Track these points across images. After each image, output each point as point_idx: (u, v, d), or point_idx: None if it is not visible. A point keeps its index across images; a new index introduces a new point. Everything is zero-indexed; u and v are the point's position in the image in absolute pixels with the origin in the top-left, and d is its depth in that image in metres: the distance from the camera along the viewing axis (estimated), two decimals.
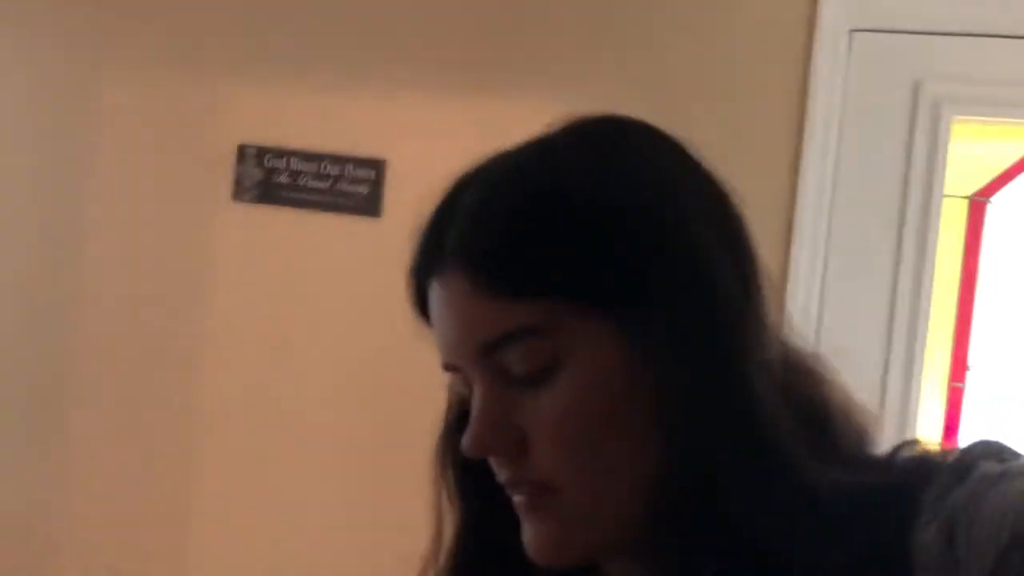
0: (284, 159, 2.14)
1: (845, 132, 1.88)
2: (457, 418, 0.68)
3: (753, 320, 0.61)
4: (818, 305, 1.88)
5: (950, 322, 1.96)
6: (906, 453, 0.62)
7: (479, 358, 0.61)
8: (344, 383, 2.11)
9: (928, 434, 1.96)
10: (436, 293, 0.63)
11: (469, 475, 0.67)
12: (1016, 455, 0.59)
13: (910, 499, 0.57)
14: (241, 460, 2.15)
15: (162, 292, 2.20)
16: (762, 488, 0.57)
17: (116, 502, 2.18)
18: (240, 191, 2.17)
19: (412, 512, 0.74)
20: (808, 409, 0.62)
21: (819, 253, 1.88)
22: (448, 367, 0.64)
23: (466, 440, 0.61)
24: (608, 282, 0.59)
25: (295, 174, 2.14)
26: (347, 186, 2.10)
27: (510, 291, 0.59)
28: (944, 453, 0.60)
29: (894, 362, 1.87)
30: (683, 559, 0.59)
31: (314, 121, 2.14)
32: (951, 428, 1.97)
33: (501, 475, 0.62)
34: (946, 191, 1.88)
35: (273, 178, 2.15)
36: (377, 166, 2.08)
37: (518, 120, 2.00)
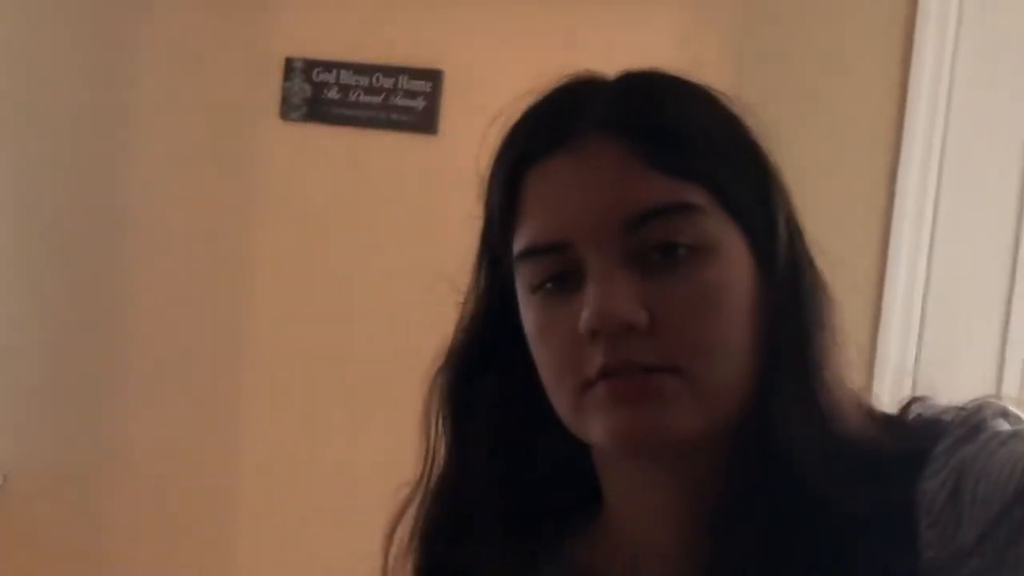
0: (334, 72, 2.01)
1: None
2: (481, 341, 0.67)
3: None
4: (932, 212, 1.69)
5: None
6: (916, 409, 0.64)
7: (620, 231, 0.59)
8: (400, 317, 2.00)
9: None
10: (562, 166, 0.61)
11: (478, 402, 0.67)
12: (1020, 419, 0.61)
13: (920, 452, 0.59)
14: (289, 403, 2.07)
15: (206, 221, 2.11)
16: (815, 423, 0.60)
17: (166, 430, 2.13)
18: (288, 109, 2.04)
19: None
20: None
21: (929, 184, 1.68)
22: (551, 246, 0.61)
23: (592, 310, 0.58)
24: (749, 192, 0.62)
25: (345, 88, 2.00)
26: (401, 100, 1.96)
27: (670, 168, 0.60)
28: (952, 410, 0.62)
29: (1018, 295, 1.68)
30: (729, 479, 0.61)
31: (364, 30, 2.00)
32: None
33: (611, 356, 0.59)
34: None
35: (322, 94, 2.02)
36: (434, 77, 1.93)
37: (586, 25, 1.86)
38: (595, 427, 0.60)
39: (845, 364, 0.63)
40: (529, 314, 0.62)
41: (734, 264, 0.61)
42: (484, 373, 0.67)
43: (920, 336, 1.70)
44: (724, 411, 0.60)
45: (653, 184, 0.59)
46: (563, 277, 0.60)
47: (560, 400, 0.62)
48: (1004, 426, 0.59)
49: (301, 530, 2.07)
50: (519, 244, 0.62)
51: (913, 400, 0.64)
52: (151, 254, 2.13)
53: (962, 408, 0.61)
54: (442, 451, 0.69)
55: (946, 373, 1.67)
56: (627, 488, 0.65)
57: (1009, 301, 1.70)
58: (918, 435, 0.61)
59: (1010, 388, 1.67)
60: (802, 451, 0.59)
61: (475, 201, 2.13)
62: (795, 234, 0.64)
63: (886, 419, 0.64)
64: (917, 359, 1.67)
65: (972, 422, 0.59)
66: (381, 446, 2.02)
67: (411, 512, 0.70)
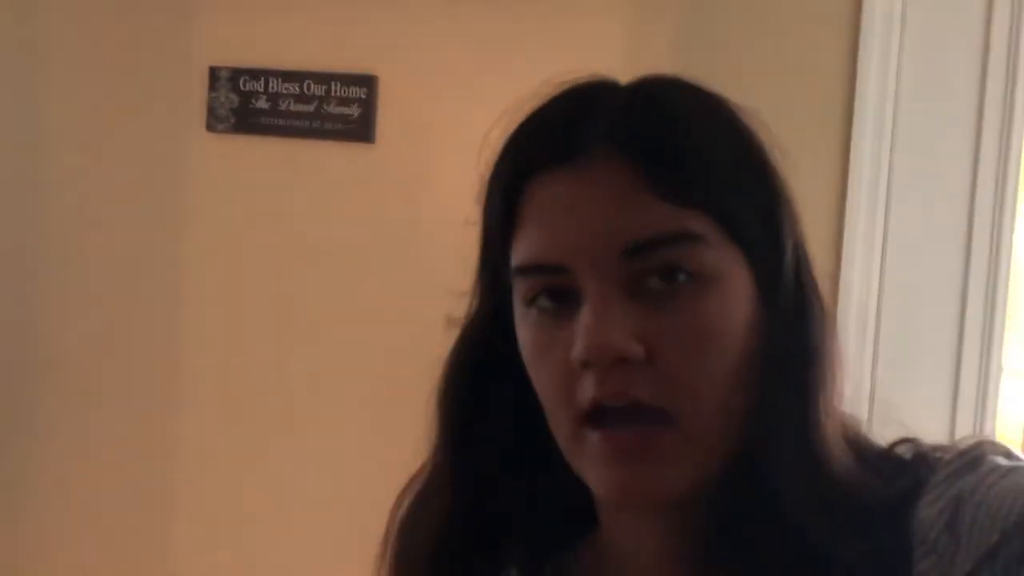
0: (261, 80, 1.94)
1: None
2: (479, 343, 0.66)
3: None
4: (884, 209, 1.67)
5: None
6: (906, 449, 0.63)
7: (620, 258, 0.58)
8: (339, 329, 1.94)
9: (1015, 362, 1.77)
10: (564, 184, 0.60)
11: (481, 410, 0.66)
12: (1020, 457, 0.60)
13: (916, 485, 0.59)
14: (223, 415, 2.00)
15: (133, 239, 2.02)
16: (807, 469, 0.59)
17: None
18: (214, 120, 1.97)
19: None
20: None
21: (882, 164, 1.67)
22: (548, 267, 0.60)
23: (585, 340, 0.57)
24: (756, 220, 0.61)
25: (275, 97, 1.93)
26: (335, 108, 1.90)
27: (675, 195, 0.58)
28: (947, 447, 0.61)
29: (974, 279, 1.67)
30: (719, 523, 0.61)
31: (293, 36, 1.93)
32: None
33: (604, 389, 0.57)
34: None
35: (250, 103, 1.95)
36: (368, 83, 1.87)
37: (523, 30, 1.82)
38: (590, 475, 0.60)
39: (840, 396, 0.62)
40: (523, 329, 0.62)
41: (735, 295, 0.60)
42: (485, 376, 0.66)
43: (876, 335, 1.69)
44: (718, 458, 0.60)
45: (655, 212, 0.58)
46: (559, 295, 0.60)
47: (557, 429, 0.61)
48: (1003, 461, 0.59)
49: (240, 538, 2.01)
50: (516, 258, 0.61)
51: (902, 440, 0.63)
52: (75, 272, 2.05)
53: (959, 444, 0.61)
54: (441, 454, 0.68)
55: (902, 377, 1.67)
56: (619, 526, 0.66)
57: (963, 297, 1.70)
58: (912, 470, 0.60)
59: (966, 399, 1.66)
60: (792, 500, 0.58)
61: (414, 209, 2.06)
62: (802, 262, 0.63)
63: (878, 455, 0.63)
64: (874, 362, 1.66)
65: (970, 455, 0.59)
66: (321, 456, 1.97)
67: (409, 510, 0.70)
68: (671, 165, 0.58)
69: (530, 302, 0.61)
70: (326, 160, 1.92)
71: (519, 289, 0.61)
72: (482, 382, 0.66)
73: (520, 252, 0.61)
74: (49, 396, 2.09)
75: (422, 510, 0.69)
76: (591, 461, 0.59)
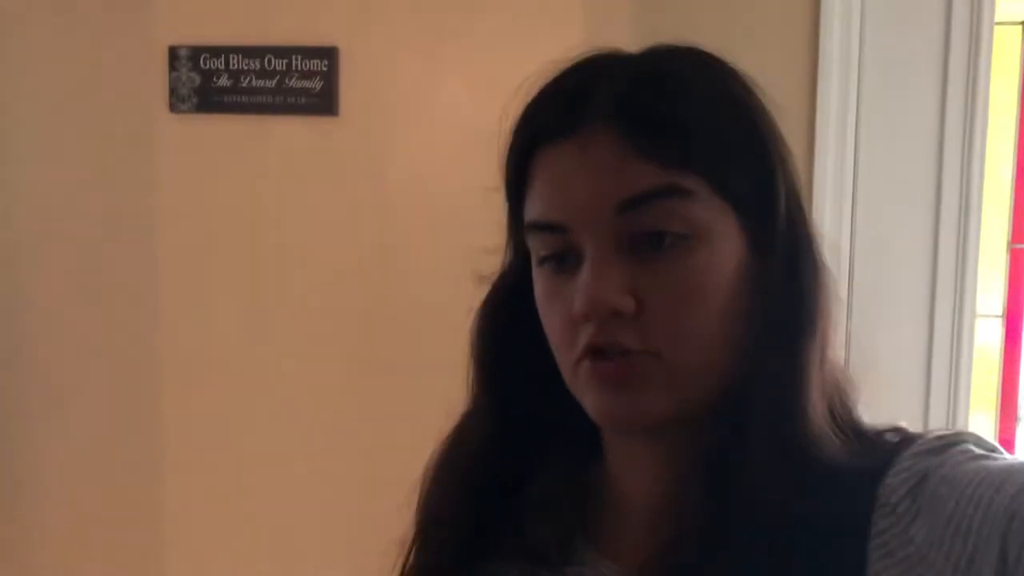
0: (222, 58, 1.94)
1: None
2: (506, 294, 0.74)
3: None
4: (852, 162, 1.69)
5: (1008, 175, 1.78)
6: (891, 435, 0.67)
7: (614, 215, 0.64)
8: (317, 307, 1.95)
9: (988, 305, 1.80)
10: (566, 153, 0.66)
11: (511, 356, 0.74)
12: (997, 449, 0.64)
13: (890, 455, 0.63)
14: (201, 398, 2.02)
15: (101, 224, 2.02)
16: (780, 420, 0.64)
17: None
18: (177, 100, 1.97)
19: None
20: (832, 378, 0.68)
21: (850, 94, 1.69)
22: (553, 226, 0.67)
23: (583, 297, 0.64)
24: (747, 183, 0.66)
25: (236, 74, 1.93)
26: (297, 82, 1.90)
27: (666, 158, 0.64)
28: (927, 434, 0.65)
29: (945, 226, 1.70)
30: (699, 458, 0.67)
31: (250, 11, 1.92)
32: (1015, 296, 1.81)
33: (599, 338, 0.65)
34: (997, 18, 1.66)
35: (212, 82, 1.95)
36: (329, 55, 1.88)
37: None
38: (586, 403, 0.68)
39: (833, 349, 0.67)
40: (537, 281, 0.70)
41: (725, 250, 0.65)
42: (512, 322, 0.74)
43: (850, 284, 1.71)
44: (700, 394, 0.66)
45: (646, 173, 0.64)
46: (565, 256, 0.67)
47: (562, 368, 0.69)
48: (977, 450, 0.63)
49: (228, 534, 2.03)
50: (528, 215, 0.69)
51: (895, 428, 0.68)
52: (40, 261, 2.05)
53: (941, 431, 0.65)
54: (477, 391, 0.76)
55: (877, 323, 1.69)
56: (619, 450, 0.73)
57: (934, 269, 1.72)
58: (891, 447, 0.65)
59: (941, 344, 1.69)
60: (758, 448, 0.64)
61: (381, 179, 2.08)
62: (796, 218, 0.68)
63: (863, 432, 0.68)
64: (848, 309, 1.69)
65: (947, 440, 0.64)
66: (305, 442, 1.99)
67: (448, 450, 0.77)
68: (662, 134, 0.64)
69: (541, 260, 0.69)
70: (291, 135, 1.92)
71: (532, 247, 0.70)
72: (511, 327, 0.74)
73: (531, 211, 0.69)
74: (18, 389, 2.09)
75: (460, 440, 0.77)
76: (585, 390, 0.67)
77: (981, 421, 1.89)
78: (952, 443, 0.63)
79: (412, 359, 1.89)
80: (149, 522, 2.06)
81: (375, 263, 1.90)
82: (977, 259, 1.70)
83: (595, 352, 0.65)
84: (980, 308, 1.75)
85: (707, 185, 0.64)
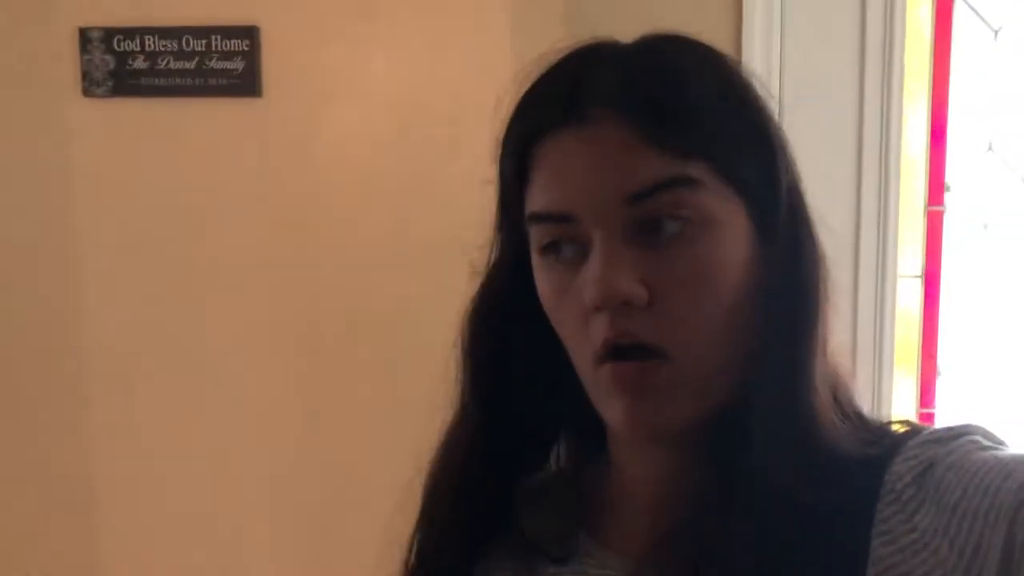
0: (137, 39, 1.89)
1: None
2: (499, 290, 0.73)
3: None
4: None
5: (923, 137, 1.84)
6: (898, 426, 0.68)
7: (623, 206, 0.63)
8: (245, 293, 1.93)
9: (908, 267, 1.87)
10: (569, 142, 0.65)
11: (499, 348, 0.73)
12: (1005, 443, 0.64)
13: (897, 444, 0.64)
14: (128, 386, 1.98)
15: (11, 216, 1.97)
16: (789, 415, 0.64)
17: None
18: (90, 84, 1.92)
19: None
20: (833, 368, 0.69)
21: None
22: (558, 216, 0.66)
23: (595, 287, 0.63)
24: (751, 165, 0.66)
25: (152, 56, 1.89)
26: (217, 63, 1.87)
27: (671, 146, 0.63)
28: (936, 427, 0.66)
29: (866, 188, 1.76)
30: (705, 463, 0.67)
31: None
32: (933, 256, 1.88)
33: (612, 331, 0.64)
34: None
35: (127, 64, 1.90)
36: (250, 34, 1.85)
37: None
38: (605, 410, 0.68)
39: (833, 336, 0.68)
40: (540, 275, 0.68)
41: (733, 238, 0.65)
42: (506, 320, 0.73)
43: None
44: (713, 396, 0.66)
45: (654, 161, 0.63)
46: (570, 244, 0.66)
47: (580, 365, 0.68)
48: (985, 441, 0.63)
49: (165, 530, 2.01)
50: (530, 207, 0.67)
51: (903, 421, 0.69)
52: None
53: (950, 423, 0.65)
54: (468, 394, 0.75)
55: None
56: (625, 452, 0.73)
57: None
58: (898, 436, 0.66)
59: (865, 305, 1.75)
60: (765, 441, 0.64)
61: (307, 159, 2.05)
62: (796, 205, 0.68)
63: (870, 423, 0.69)
64: None
65: (955, 431, 0.64)
66: (238, 433, 1.98)
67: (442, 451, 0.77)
68: (668, 121, 0.63)
69: (545, 251, 0.67)
70: (213, 117, 1.88)
71: (534, 237, 0.68)
72: (504, 325, 0.73)
73: (533, 202, 0.67)
74: None
75: (451, 449, 0.76)
76: (604, 396, 0.67)
77: (902, 380, 1.96)
78: (960, 434, 0.63)
79: (343, 343, 1.88)
80: (82, 527, 2.02)
81: (303, 247, 1.89)
82: (898, 222, 1.77)
83: (613, 352, 0.65)
84: (901, 269, 1.81)
85: (715, 173, 0.64)
